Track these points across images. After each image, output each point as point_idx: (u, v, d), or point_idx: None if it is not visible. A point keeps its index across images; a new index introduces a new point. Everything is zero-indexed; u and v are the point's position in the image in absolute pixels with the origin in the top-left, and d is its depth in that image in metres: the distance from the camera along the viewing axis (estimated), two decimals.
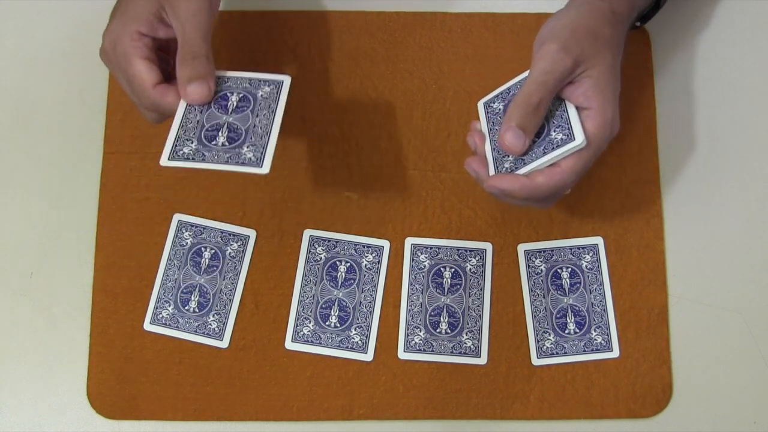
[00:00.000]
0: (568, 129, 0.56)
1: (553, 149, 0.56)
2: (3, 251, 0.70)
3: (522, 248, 0.70)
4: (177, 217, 0.70)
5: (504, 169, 0.58)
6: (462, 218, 0.70)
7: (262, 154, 0.57)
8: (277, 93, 0.59)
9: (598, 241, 0.70)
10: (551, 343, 0.68)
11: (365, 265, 0.69)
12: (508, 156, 0.58)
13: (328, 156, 0.72)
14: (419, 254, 0.70)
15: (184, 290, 0.69)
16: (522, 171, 0.57)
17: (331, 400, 0.67)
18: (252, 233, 0.70)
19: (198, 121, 0.58)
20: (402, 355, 0.68)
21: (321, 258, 0.70)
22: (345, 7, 0.75)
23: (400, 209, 0.71)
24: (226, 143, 0.57)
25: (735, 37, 0.75)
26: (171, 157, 0.56)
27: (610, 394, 0.67)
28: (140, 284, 0.69)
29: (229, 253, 0.70)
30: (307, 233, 0.70)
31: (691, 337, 0.69)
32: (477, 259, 0.70)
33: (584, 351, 0.68)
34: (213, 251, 0.70)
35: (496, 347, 0.68)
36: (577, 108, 0.57)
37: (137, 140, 0.71)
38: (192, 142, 0.57)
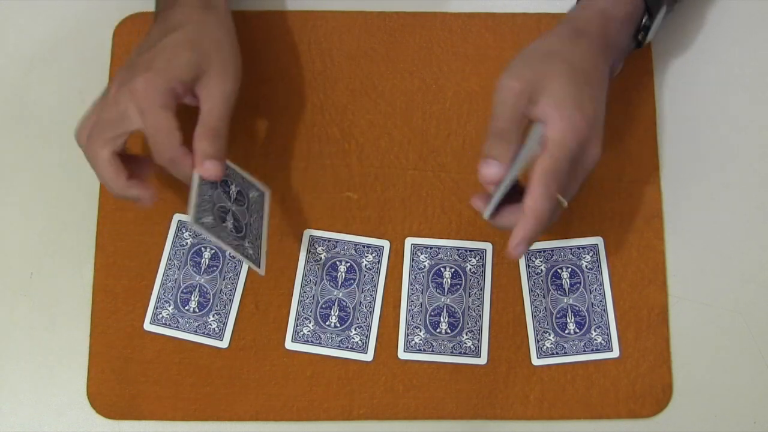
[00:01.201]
0: (532, 142, 0.57)
1: (516, 163, 0.56)
2: (3, 251, 0.70)
3: None
4: (177, 217, 0.70)
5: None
6: (462, 218, 0.71)
7: (258, 255, 0.63)
8: (261, 202, 0.65)
9: (598, 241, 0.70)
10: (551, 343, 0.68)
11: (365, 265, 0.69)
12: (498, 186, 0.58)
13: (328, 156, 0.72)
14: (419, 254, 0.70)
15: (184, 290, 0.69)
16: (497, 193, 0.57)
17: (331, 400, 0.67)
18: None
19: (210, 197, 0.60)
20: (402, 355, 0.68)
21: (321, 258, 0.70)
22: (345, 7, 0.75)
23: (400, 209, 0.71)
24: (233, 231, 0.60)
25: (735, 37, 0.75)
26: (195, 221, 0.58)
27: (610, 394, 0.67)
28: (140, 284, 0.69)
29: (229, 253, 0.70)
30: (307, 233, 0.70)
31: (691, 337, 0.69)
32: (477, 259, 0.70)
33: (584, 351, 0.68)
34: (213, 251, 0.70)
35: (496, 347, 0.68)
36: (543, 123, 0.57)
37: (137, 140, 0.71)
38: (209, 215, 0.59)
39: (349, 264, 0.70)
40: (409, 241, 0.70)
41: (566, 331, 0.68)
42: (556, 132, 0.56)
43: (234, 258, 0.68)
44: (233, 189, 0.62)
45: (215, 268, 0.69)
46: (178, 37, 0.59)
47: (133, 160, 0.61)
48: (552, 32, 0.61)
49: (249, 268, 0.69)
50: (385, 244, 0.70)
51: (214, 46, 0.60)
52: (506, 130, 0.57)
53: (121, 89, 0.58)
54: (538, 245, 0.70)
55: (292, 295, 0.69)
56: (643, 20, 0.64)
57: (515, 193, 0.57)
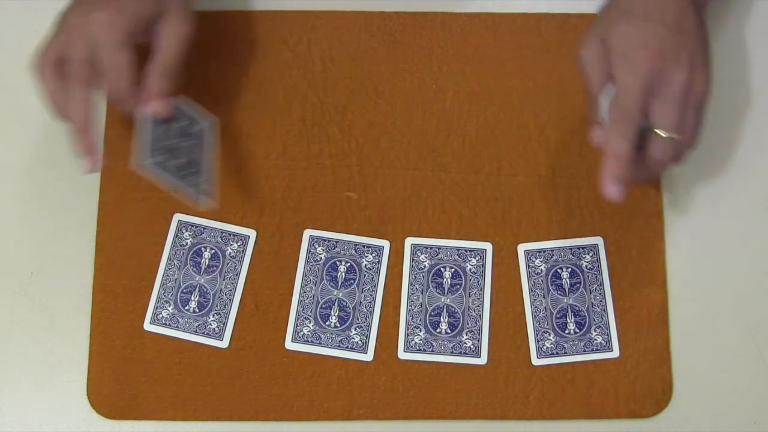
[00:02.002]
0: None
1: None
2: (3, 251, 0.70)
3: (522, 248, 0.70)
4: (177, 217, 0.70)
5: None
6: (462, 218, 0.70)
7: (210, 188, 0.65)
8: (210, 133, 0.66)
9: (598, 241, 0.70)
10: (551, 343, 0.68)
11: (365, 265, 0.69)
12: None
13: (328, 156, 0.72)
14: (419, 254, 0.70)
15: (184, 290, 0.69)
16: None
17: (331, 400, 0.67)
18: (252, 233, 0.70)
19: (159, 134, 0.63)
20: (402, 355, 0.68)
21: (321, 258, 0.70)
22: (345, 7, 0.75)
23: (400, 209, 0.71)
24: (183, 167, 0.64)
25: (734, 38, 0.75)
26: (142, 161, 0.61)
27: (610, 394, 0.67)
28: (140, 284, 0.69)
29: (229, 253, 0.70)
30: (307, 233, 0.70)
31: (691, 337, 0.69)
32: (477, 259, 0.70)
33: (584, 351, 0.68)
34: (213, 251, 0.70)
35: (496, 347, 0.68)
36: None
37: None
38: (158, 154, 0.62)
39: (349, 264, 0.70)
40: (409, 241, 0.70)
41: (566, 331, 0.68)
42: (618, 76, 0.58)
43: (181, 194, 0.66)
44: (179, 125, 0.64)
45: (215, 268, 0.69)
46: None
47: None
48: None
49: (249, 267, 0.69)
50: (385, 244, 0.70)
51: None
52: (605, 90, 0.59)
53: (79, 18, 0.60)
54: (538, 245, 0.70)
55: (292, 295, 0.69)
56: None
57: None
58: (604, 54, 0.59)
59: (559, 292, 0.69)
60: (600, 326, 0.68)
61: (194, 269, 0.69)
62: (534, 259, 0.70)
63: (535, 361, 0.68)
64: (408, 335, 0.68)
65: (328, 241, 0.70)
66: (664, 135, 0.58)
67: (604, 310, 0.69)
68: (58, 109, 0.62)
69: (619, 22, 0.59)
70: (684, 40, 0.59)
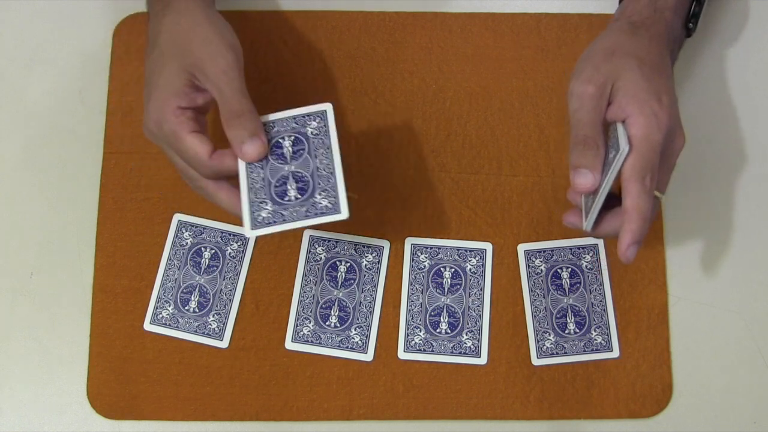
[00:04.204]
0: (617, 144, 0.56)
1: (610, 168, 0.56)
2: (3, 251, 0.70)
3: (522, 248, 0.70)
4: (177, 217, 0.70)
5: (589, 208, 0.58)
6: (462, 218, 0.71)
7: (336, 198, 0.57)
8: (325, 126, 0.59)
9: (599, 241, 0.70)
10: (551, 343, 0.68)
11: (365, 265, 0.69)
12: (591, 196, 0.58)
13: None
14: (419, 254, 0.70)
15: (184, 290, 0.69)
16: (595, 203, 0.57)
17: (331, 400, 0.67)
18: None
19: (264, 179, 0.58)
20: (402, 355, 0.68)
21: (321, 258, 0.70)
22: (345, 7, 0.75)
23: (400, 209, 0.71)
24: (299, 195, 0.57)
25: (734, 38, 0.75)
26: (254, 226, 0.56)
27: (610, 394, 0.67)
28: (140, 284, 0.69)
29: (229, 253, 0.70)
30: (308, 233, 0.70)
31: (691, 337, 0.69)
32: (477, 259, 0.70)
33: (584, 351, 0.68)
34: (213, 251, 0.70)
35: (496, 347, 0.68)
36: (623, 122, 0.57)
37: (137, 140, 0.71)
38: (267, 204, 0.57)
39: (349, 264, 0.70)
40: (409, 241, 0.70)
41: (566, 331, 0.68)
42: (640, 128, 0.55)
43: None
44: (287, 144, 0.59)
45: (215, 268, 0.69)
46: (156, 55, 0.59)
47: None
48: (608, 30, 0.61)
49: (249, 267, 0.69)
50: (385, 244, 0.70)
51: (192, 38, 0.59)
52: (591, 137, 0.57)
53: (146, 112, 0.59)
54: (538, 245, 0.70)
55: (292, 295, 0.69)
56: (693, 7, 0.64)
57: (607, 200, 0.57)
58: (607, 96, 0.57)
59: (559, 292, 0.69)
60: (600, 326, 0.68)
61: (194, 269, 0.69)
62: (534, 259, 0.70)
63: (535, 361, 0.68)
64: (408, 335, 0.68)
65: (328, 241, 0.70)
66: (656, 195, 0.57)
67: (604, 310, 0.69)
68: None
69: (632, 70, 0.57)
70: (676, 98, 0.59)
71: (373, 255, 0.70)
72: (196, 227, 0.70)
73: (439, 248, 0.70)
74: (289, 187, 0.57)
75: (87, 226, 0.70)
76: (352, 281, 0.69)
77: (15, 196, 0.71)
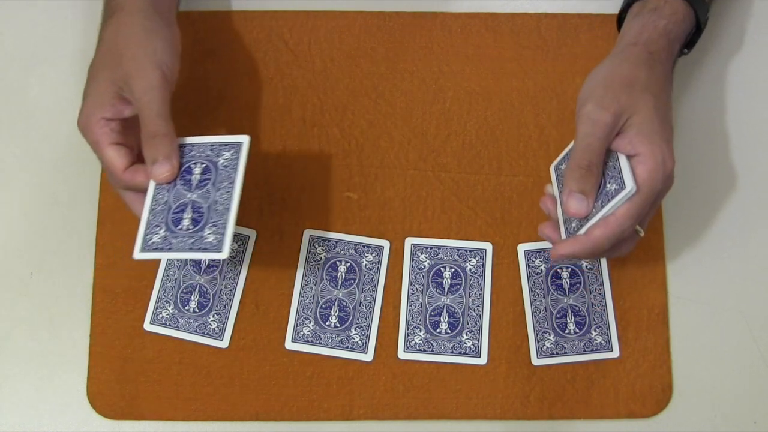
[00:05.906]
0: (620, 178, 0.56)
1: (608, 201, 0.56)
2: (3, 251, 0.70)
3: (522, 248, 0.70)
4: None
5: (572, 228, 0.59)
6: (462, 218, 0.70)
7: (222, 236, 0.56)
8: (236, 159, 0.59)
9: None
10: (551, 343, 0.68)
11: (365, 265, 0.69)
12: (576, 219, 0.58)
13: (328, 156, 0.72)
14: (419, 254, 0.70)
15: (184, 290, 0.69)
16: (583, 230, 0.57)
17: (331, 400, 0.67)
18: (252, 233, 0.70)
19: (166, 202, 0.58)
20: (402, 355, 0.68)
21: (321, 258, 0.70)
22: (345, 7, 0.75)
23: (400, 209, 0.71)
24: (191, 226, 0.57)
25: (734, 38, 0.75)
26: (142, 249, 0.57)
27: (610, 394, 0.67)
28: (140, 284, 0.69)
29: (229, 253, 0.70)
30: (307, 233, 0.70)
31: (691, 337, 0.69)
32: (477, 259, 0.70)
33: (584, 351, 0.68)
34: None
35: (496, 347, 0.68)
36: (628, 156, 0.57)
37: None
38: (160, 229, 0.58)
39: (349, 264, 0.70)
40: (409, 241, 0.70)
41: (566, 331, 0.68)
42: (648, 171, 0.56)
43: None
44: (197, 171, 0.59)
45: (215, 268, 0.69)
46: (96, 60, 0.61)
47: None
48: (626, 53, 0.60)
49: (249, 267, 0.69)
50: (385, 244, 0.70)
51: (124, 52, 0.59)
52: (596, 164, 0.57)
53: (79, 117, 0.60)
54: (538, 245, 0.70)
55: (292, 295, 0.69)
56: (692, 35, 0.65)
57: None
58: (619, 127, 0.57)
59: (559, 292, 0.69)
60: (600, 326, 0.68)
61: (194, 269, 0.69)
62: (534, 259, 0.70)
63: (535, 361, 0.68)
64: (408, 335, 0.68)
65: (328, 241, 0.70)
66: (637, 229, 0.58)
67: (604, 310, 0.69)
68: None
69: (649, 109, 0.57)
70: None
71: (373, 255, 0.70)
72: None
73: (439, 248, 0.70)
74: (185, 216, 0.58)
75: (87, 226, 0.70)
76: (352, 281, 0.69)
77: (15, 196, 0.71)
